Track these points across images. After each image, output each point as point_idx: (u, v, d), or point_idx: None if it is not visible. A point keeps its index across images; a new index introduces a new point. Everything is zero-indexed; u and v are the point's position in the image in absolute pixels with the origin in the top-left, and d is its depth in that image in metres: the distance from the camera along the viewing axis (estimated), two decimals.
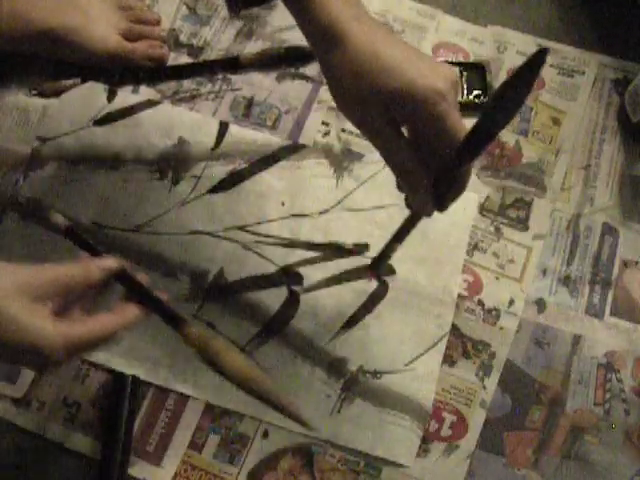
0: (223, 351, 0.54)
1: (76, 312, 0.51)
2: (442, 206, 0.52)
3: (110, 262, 0.52)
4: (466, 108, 0.76)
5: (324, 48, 0.50)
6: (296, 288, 0.68)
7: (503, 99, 0.46)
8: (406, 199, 0.56)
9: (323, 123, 0.75)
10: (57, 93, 0.75)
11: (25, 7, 0.71)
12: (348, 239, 0.70)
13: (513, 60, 0.79)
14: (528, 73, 0.44)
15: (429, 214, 0.54)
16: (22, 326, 0.46)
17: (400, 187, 0.55)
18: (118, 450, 0.61)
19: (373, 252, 0.69)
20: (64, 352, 0.47)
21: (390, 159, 0.51)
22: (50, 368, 0.50)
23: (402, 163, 0.51)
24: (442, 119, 0.47)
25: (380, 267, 0.65)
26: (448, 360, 0.66)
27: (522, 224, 0.72)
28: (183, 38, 0.80)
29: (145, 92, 0.76)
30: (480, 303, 0.68)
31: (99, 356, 0.64)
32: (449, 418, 0.64)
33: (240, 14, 0.79)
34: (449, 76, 0.48)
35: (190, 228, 0.70)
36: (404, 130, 0.51)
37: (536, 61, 0.43)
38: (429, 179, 0.50)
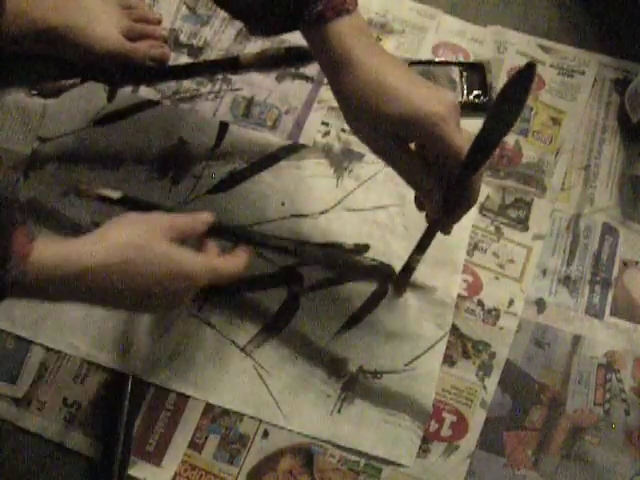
0: None
1: None
2: (454, 217, 0.57)
3: (209, 217, 0.60)
4: (466, 108, 0.76)
5: (337, 74, 0.54)
6: (296, 288, 0.68)
7: (498, 113, 0.49)
8: (426, 214, 0.60)
9: (323, 123, 0.75)
10: (57, 93, 0.75)
11: (27, 6, 0.71)
12: (348, 239, 0.70)
13: (513, 60, 0.79)
14: (517, 88, 0.45)
15: (446, 231, 0.59)
16: (174, 258, 0.55)
17: (418, 204, 0.60)
18: (118, 450, 0.61)
19: (373, 252, 0.69)
20: (207, 277, 0.56)
21: (403, 174, 0.56)
22: (192, 293, 0.58)
23: (414, 178, 0.55)
24: (445, 139, 0.52)
25: (406, 281, 0.67)
26: (448, 360, 0.66)
27: (522, 224, 0.72)
28: (183, 38, 0.80)
29: (145, 92, 0.76)
30: (480, 303, 0.68)
31: (99, 356, 0.65)
32: (449, 418, 0.64)
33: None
34: (449, 101, 0.53)
35: None
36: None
37: (524, 76, 0.44)
38: (438, 187, 0.55)
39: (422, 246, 0.62)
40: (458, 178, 0.53)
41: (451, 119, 0.52)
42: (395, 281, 0.67)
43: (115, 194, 0.66)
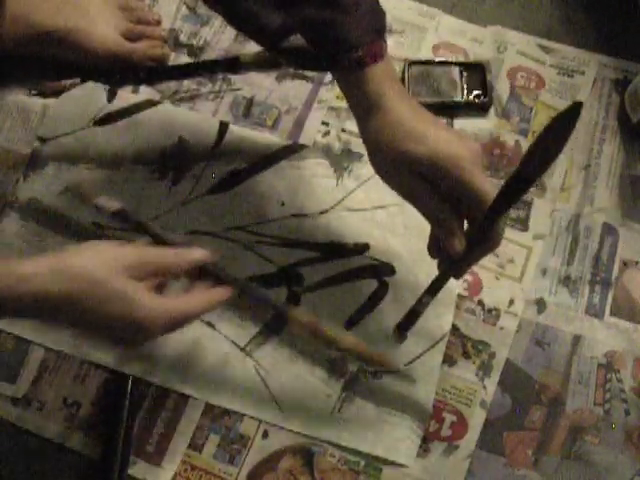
0: (332, 332, 0.63)
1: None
2: (472, 261, 0.57)
3: (198, 255, 0.56)
4: (466, 108, 0.77)
5: (367, 116, 0.56)
6: (296, 288, 0.68)
7: (536, 152, 0.47)
8: (438, 264, 0.59)
9: (323, 123, 0.75)
10: (57, 93, 0.75)
11: (26, 10, 0.71)
12: (348, 239, 0.70)
13: (513, 60, 0.79)
14: (561, 126, 0.44)
15: (459, 275, 0.59)
16: (129, 300, 0.50)
17: (431, 252, 0.59)
18: (118, 450, 0.61)
19: (373, 252, 0.69)
20: (163, 326, 0.52)
21: (425, 212, 0.56)
22: (145, 341, 0.54)
23: (439, 219, 0.55)
24: (471, 181, 0.53)
25: (410, 325, 0.64)
26: (448, 360, 0.66)
27: (522, 224, 0.72)
28: (183, 38, 0.80)
29: (145, 92, 0.76)
30: (480, 303, 0.68)
31: (99, 356, 0.65)
32: (449, 418, 0.64)
33: None
34: (474, 147, 0.54)
35: (190, 228, 0.70)
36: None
37: (570, 114, 0.43)
38: (462, 227, 0.55)
39: (432, 290, 0.60)
40: (484, 220, 0.53)
41: (476, 163, 0.53)
42: (398, 324, 0.64)
43: (112, 205, 0.63)
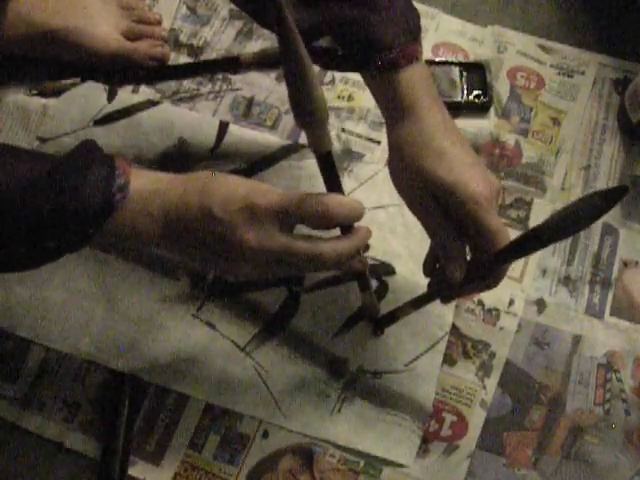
0: None
1: None
2: (464, 292, 0.56)
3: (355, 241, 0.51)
4: (466, 108, 0.77)
5: (396, 121, 0.54)
6: (296, 288, 0.68)
7: (561, 219, 0.46)
8: (429, 284, 0.58)
9: None
10: (57, 93, 0.75)
11: (26, 9, 0.71)
12: None
13: (513, 60, 0.79)
14: (598, 204, 0.43)
15: (447, 301, 0.58)
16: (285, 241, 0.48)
17: (426, 270, 0.58)
18: (118, 450, 0.61)
19: (373, 252, 0.69)
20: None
21: (430, 231, 0.55)
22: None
23: (442, 241, 0.53)
24: (483, 219, 0.51)
25: (387, 326, 0.65)
26: (448, 360, 0.66)
27: (522, 224, 0.72)
28: (183, 38, 0.80)
29: (145, 92, 0.76)
30: (480, 303, 0.68)
31: (99, 356, 0.65)
32: (449, 418, 0.64)
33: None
34: (494, 184, 0.52)
35: None
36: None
37: (612, 195, 0.42)
38: (464, 255, 0.53)
39: (417, 305, 0.60)
40: (491, 261, 0.52)
41: (493, 202, 0.52)
42: (376, 321, 0.66)
43: None
